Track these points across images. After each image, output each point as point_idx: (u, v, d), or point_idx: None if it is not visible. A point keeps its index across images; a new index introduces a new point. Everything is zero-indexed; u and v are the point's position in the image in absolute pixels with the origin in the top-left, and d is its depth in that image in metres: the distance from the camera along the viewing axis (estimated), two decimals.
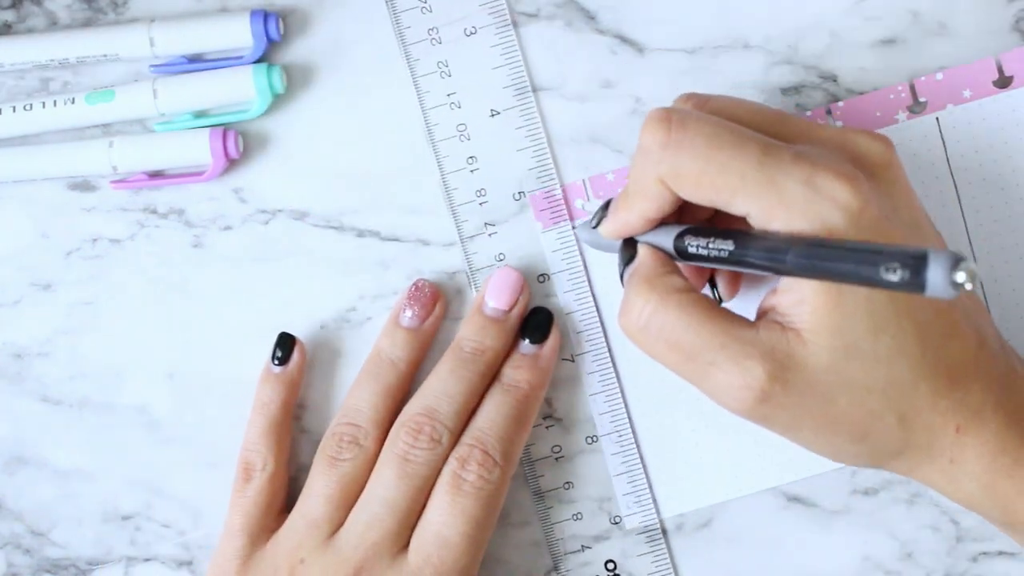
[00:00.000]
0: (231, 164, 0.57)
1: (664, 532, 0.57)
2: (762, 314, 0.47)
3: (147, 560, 0.57)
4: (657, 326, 0.47)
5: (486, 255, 0.57)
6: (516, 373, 0.54)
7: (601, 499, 0.57)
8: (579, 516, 0.57)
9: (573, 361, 0.56)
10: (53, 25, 0.57)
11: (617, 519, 0.56)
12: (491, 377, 0.55)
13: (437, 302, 0.56)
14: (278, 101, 0.57)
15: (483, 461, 0.52)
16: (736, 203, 0.45)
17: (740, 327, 0.46)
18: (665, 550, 0.56)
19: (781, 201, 0.44)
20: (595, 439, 0.57)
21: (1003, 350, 0.49)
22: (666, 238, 0.48)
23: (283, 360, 0.55)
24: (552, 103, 0.57)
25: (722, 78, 0.56)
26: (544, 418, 0.57)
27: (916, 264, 0.38)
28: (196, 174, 0.57)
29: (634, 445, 0.56)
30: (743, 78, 0.56)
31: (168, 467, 0.57)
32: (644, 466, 0.56)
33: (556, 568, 0.57)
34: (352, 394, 0.55)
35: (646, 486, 0.56)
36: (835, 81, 0.56)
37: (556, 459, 0.57)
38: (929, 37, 0.56)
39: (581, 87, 0.56)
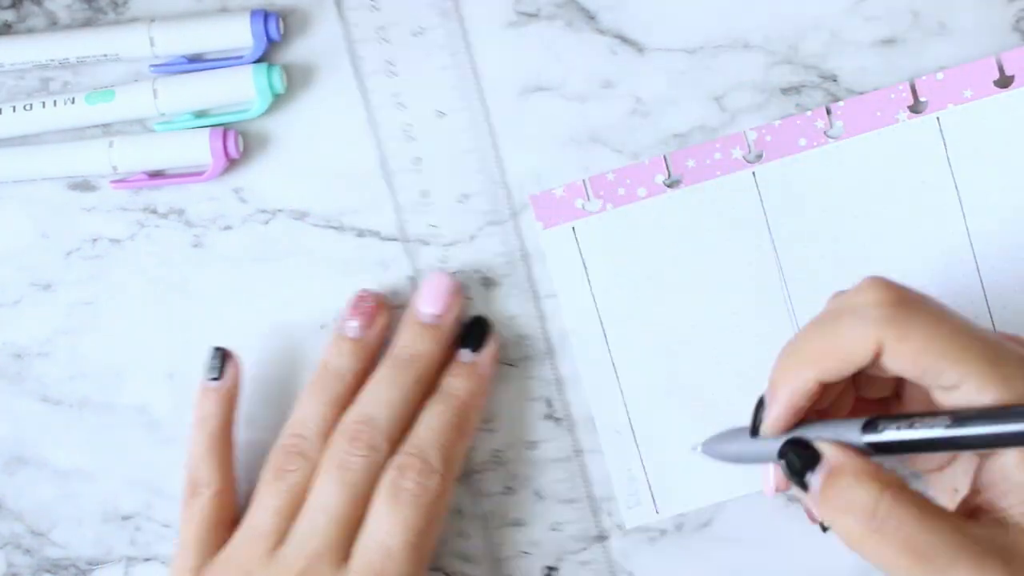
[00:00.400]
0: (231, 164, 0.57)
1: (664, 532, 0.57)
2: (971, 511, 0.45)
3: (147, 560, 0.57)
4: (893, 526, 0.43)
5: (489, 253, 0.57)
6: (455, 381, 0.54)
7: (601, 499, 0.57)
8: (579, 516, 0.57)
9: (573, 362, 0.56)
10: (53, 25, 0.57)
11: (617, 519, 0.56)
12: (428, 384, 0.54)
13: (381, 311, 0.55)
14: (278, 101, 0.57)
15: (422, 469, 0.52)
16: (949, 373, 0.44)
17: (970, 526, 0.43)
18: (665, 550, 0.56)
19: (1002, 375, 0.43)
20: (595, 439, 0.57)
21: None
22: (846, 433, 0.45)
23: (218, 375, 0.55)
24: (552, 103, 0.57)
25: (722, 78, 0.56)
26: (545, 418, 0.57)
27: None
28: (196, 174, 0.57)
29: (634, 445, 0.56)
30: (743, 78, 0.56)
31: (168, 467, 0.57)
32: (643, 466, 0.56)
33: (556, 568, 0.57)
34: (299, 406, 0.54)
35: (646, 486, 0.56)
36: (835, 81, 0.56)
37: (556, 459, 0.57)
38: (929, 37, 0.56)
39: (581, 87, 0.56)
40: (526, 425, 0.57)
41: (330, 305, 0.57)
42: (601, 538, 0.57)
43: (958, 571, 0.42)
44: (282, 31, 0.56)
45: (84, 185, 0.57)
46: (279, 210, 0.57)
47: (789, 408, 0.46)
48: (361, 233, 0.57)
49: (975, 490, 0.45)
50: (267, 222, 0.57)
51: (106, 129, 0.57)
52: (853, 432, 0.45)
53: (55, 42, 0.56)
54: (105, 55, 0.56)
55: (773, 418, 0.47)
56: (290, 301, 0.57)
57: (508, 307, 0.57)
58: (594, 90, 0.56)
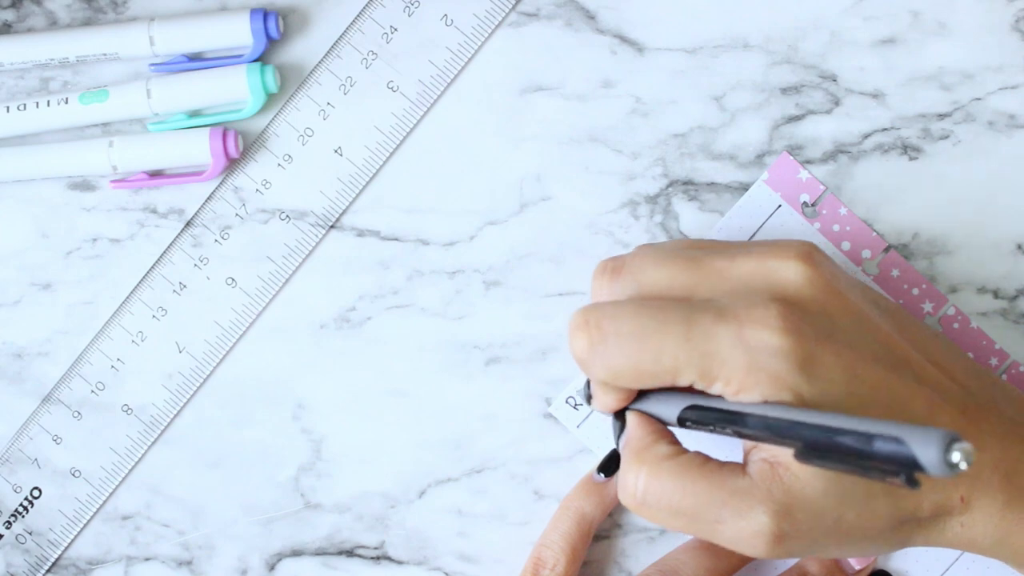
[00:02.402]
0: (231, 164, 0.57)
1: (663, 532, 0.57)
2: (748, 452, 0.47)
3: (147, 560, 0.57)
4: (655, 497, 0.46)
5: (489, 253, 0.57)
6: None
7: None
8: None
9: (571, 361, 0.57)
10: (53, 25, 0.57)
11: (617, 518, 0.57)
12: None
13: None
14: (279, 100, 0.57)
15: None
16: (682, 380, 0.46)
17: (734, 477, 0.46)
18: (665, 549, 0.56)
19: (728, 370, 0.45)
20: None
21: (990, 397, 0.49)
22: (667, 409, 0.48)
23: (609, 474, 0.55)
24: (552, 103, 0.57)
25: (722, 78, 0.56)
26: (544, 417, 0.57)
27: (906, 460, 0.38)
28: (196, 174, 0.56)
29: None
30: (743, 78, 0.56)
31: (168, 467, 0.57)
32: None
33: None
34: None
35: None
36: (835, 81, 0.56)
37: (556, 459, 0.57)
38: (929, 37, 0.56)
39: (581, 87, 0.57)
40: (526, 425, 0.57)
41: (330, 305, 0.57)
42: (600, 537, 0.57)
43: (725, 524, 0.46)
44: (282, 29, 0.56)
45: (84, 185, 0.57)
46: (279, 210, 0.57)
47: (610, 411, 0.50)
48: (361, 233, 0.57)
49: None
50: (267, 222, 0.57)
51: (106, 128, 0.57)
52: (672, 412, 0.47)
53: (55, 42, 0.56)
54: (105, 54, 0.56)
55: (598, 410, 0.50)
56: (290, 301, 0.57)
57: (508, 306, 0.57)
58: (594, 90, 0.57)
